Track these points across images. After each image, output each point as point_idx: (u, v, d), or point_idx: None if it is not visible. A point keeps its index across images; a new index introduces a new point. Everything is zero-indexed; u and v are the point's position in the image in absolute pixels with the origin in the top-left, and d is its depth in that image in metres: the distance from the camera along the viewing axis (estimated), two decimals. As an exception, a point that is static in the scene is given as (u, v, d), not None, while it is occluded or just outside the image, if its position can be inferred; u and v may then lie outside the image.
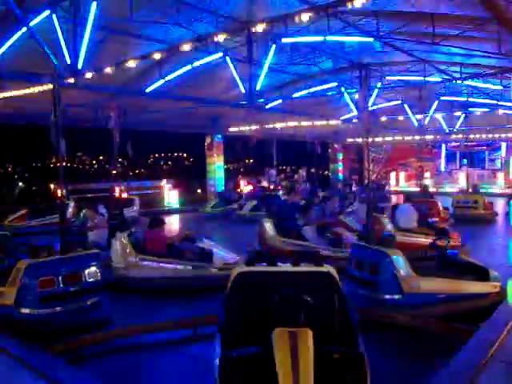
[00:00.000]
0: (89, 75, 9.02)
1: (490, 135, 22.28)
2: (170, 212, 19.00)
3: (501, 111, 17.06)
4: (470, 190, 15.50)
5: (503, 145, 26.32)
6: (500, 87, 13.41)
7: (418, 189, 18.79)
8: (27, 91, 10.58)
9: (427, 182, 25.02)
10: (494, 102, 16.37)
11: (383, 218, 9.37)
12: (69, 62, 8.27)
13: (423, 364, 4.59)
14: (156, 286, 7.13)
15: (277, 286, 3.81)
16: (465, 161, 28.36)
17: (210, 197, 20.27)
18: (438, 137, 23.08)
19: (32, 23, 7.79)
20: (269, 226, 9.17)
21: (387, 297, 5.53)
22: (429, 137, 22.09)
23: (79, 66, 8.30)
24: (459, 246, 9.06)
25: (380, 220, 9.00)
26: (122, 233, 7.53)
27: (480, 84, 13.16)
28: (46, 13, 7.78)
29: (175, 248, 7.64)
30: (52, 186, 17.69)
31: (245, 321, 3.78)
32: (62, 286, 5.30)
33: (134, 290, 7.01)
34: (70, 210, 13.87)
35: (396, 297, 5.49)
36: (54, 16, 7.80)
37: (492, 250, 10.00)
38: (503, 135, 22.59)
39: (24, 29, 7.93)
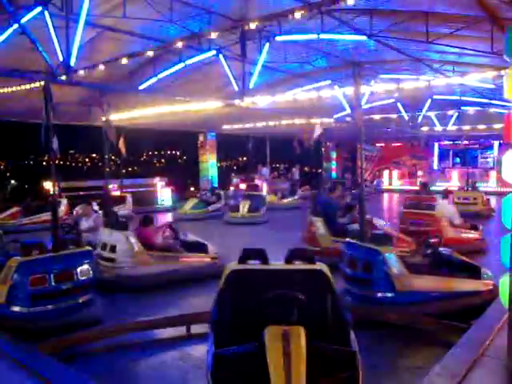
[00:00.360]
0: (81, 72, 8.98)
1: (483, 133, 22.35)
2: (163, 211, 18.97)
3: (493, 110, 17.16)
4: (470, 188, 16.34)
5: (495, 143, 26.46)
6: (492, 86, 13.47)
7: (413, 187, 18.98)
8: (19, 88, 10.52)
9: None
10: (487, 100, 16.48)
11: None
12: (61, 59, 8.22)
13: (415, 361, 4.62)
14: (166, 280, 7.28)
15: (269, 283, 3.81)
16: (458, 159, 28.53)
17: (188, 196, 18.37)
18: (431, 133, 23.16)
19: (23, 20, 7.73)
20: (320, 225, 8.90)
21: (380, 295, 5.56)
22: (422, 133, 22.12)
23: (72, 63, 8.25)
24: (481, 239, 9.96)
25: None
26: (127, 231, 7.57)
27: (472, 82, 13.20)
28: (38, 9, 7.73)
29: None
30: (44, 183, 17.60)
31: (237, 318, 3.77)
32: (53, 283, 5.28)
33: (144, 287, 7.08)
34: (63, 207, 13.84)
35: (388, 295, 5.52)
36: (45, 12, 7.74)
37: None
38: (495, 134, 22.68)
39: (15, 25, 7.87)
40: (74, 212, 14.27)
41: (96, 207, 14.74)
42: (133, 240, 7.43)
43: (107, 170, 8.84)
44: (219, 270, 4.18)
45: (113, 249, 7.40)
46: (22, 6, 7.95)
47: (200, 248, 8.18)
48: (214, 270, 6.92)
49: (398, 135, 25.64)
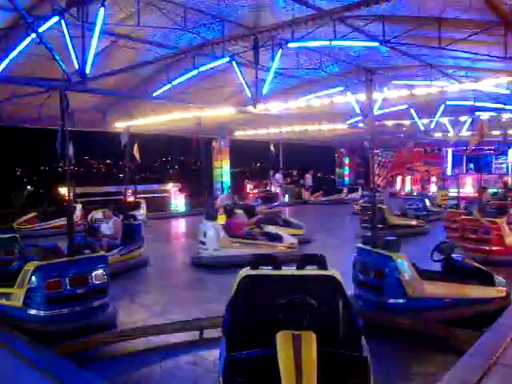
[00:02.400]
0: (96, 80, 9.12)
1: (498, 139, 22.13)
2: (176, 216, 19.07)
3: (507, 115, 17.00)
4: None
5: (510, 149, 26.18)
6: (507, 91, 13.37)
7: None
8: (36, 96, 10.71)
9: (433, 186, 25.02)
10: (501, 106, 16.34)
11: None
12: (77, 67, 8.36)
13: (427, 368, 4.60)
14: (243, 261, 7.82)
15: (282, 289, 3.84)
16: (471, 165, 28.26)
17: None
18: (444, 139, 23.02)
19: (41, 29, 7.89)
20: None
21: (391, 301, 5.54)
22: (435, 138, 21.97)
23: (87, 71, 8.39)
24: None
25: None
26: (214, 221, 9.40)
27: (486, 88, 13.12)
28: (55, 19, 7.88)
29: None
30: (60, 189, 17.81)
31: (250, 323, 3.81)
32: (68, 287, 5.36)
33: (223, 266, 8.69)
34: (78, 213, 14.00)
35: (400, 301, 5.50)
36: (62, 22, 7.89)
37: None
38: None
39: (33, 35, 8.03)
40: (89, 216, 14.50)
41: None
42: (218, 228, 9.29)
43: (125, 176, 9.47)
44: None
45: (205, 235, 9.32)
46: (40, 15, 8.13)
47: (279, 239, 9.88)
48: (287, 257, 7.93)
49: (411, 141, 25.50)
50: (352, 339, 3.61)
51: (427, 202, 16.71)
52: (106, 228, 9.27)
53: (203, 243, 9.37)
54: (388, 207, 13.31)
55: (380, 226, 12.48)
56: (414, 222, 13.48)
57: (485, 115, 17.97)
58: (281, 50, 10.30)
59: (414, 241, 11.73)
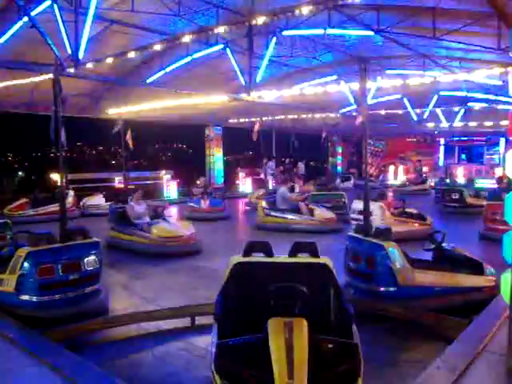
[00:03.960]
0: (90, 65, 9.05)
1: (489, 130, 22.22)
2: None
3: (500, 106, 17.08)
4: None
5: (502, 140, 26.32)
6: (499, 82, 13.41)
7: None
8: (28, 80, 10.60)
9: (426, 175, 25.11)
10: (494, 97, 16.40)
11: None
12: (70, 52, 8.28)
13: (416, 355, 4.66)
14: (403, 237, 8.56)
15: (273, 276, 3.87)
16: (463, 156, 28.40)
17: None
18: (437, 130, 23.12)
19: (33, 13, 7.80)
20: None
21: (382, 289, 5.59)
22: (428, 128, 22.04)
23: (80, 56, 8.32)
24: None
25: None
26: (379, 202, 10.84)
27: (479, 79, 13.15)
28: (48, 3, 7.80)
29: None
30: (51, 175, 17.72)
31: (241, 310, 3.84)
32: (61, 273, 5.36)
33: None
34: (70, 199, 13.96)
35: (391, 289, 5.56)
36: (55, 6, 7.81)
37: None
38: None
39: (25, 18, 7.94)
40: (82, 203, 14.52)
41: (102, 199, 15.12)
42: (384, 207, 10.84)
43: (126, 163, 9.83)
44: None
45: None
46: (32, -1, 8.03)
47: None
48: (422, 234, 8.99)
49: (404, 130, 25.58)
50: (343, 326, 3.65)
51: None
52: (139, 208, 10.15)
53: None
54: (466, 189, 15.32)
55: (457, 204, 15.03)
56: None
57: (477, 106, 18.06)
58: (275, 37, 10.26)
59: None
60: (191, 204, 14.65)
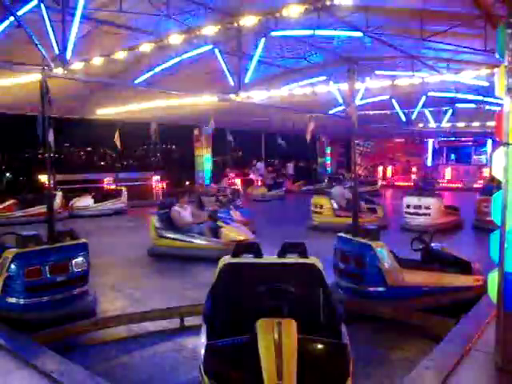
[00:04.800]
0: (77, 66, 8.98)
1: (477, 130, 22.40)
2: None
3: (487, 107, 17.23)
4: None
5: (489, 141, 26.55)
6: (486, 83, 13.53)
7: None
8: (15, 81, 10.50)
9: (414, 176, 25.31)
10: (481, 98, 16.54)
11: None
12: (57, 52, 8.21)
13: (405, 354, 4.69)
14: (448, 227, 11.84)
15: (262, 277, 3.87)
16: (452, 156, 28.62)
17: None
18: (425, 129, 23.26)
19: (20, 12, 7.71)
20: None
21: (371, 289, 5.62)
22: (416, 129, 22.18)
23: (68, 56, 8.24)
24: None
25: None
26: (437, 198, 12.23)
27: (467, 80, 13.25)
28: (34, 2, 7.71)
29: None
30: (39, 176, 17.58)
31: (230, 311, 3.83)
32: (48, 275, 5.32)
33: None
34: (58, 200, 13.86)
35: (380, 289, 5.58)
36: (42, 5, 7.73)
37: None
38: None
39: (11, 18, 7.85)
40: (70, 204, 14.38)
41: (90, 200, 14.96)
42: (442, 202, 12.13)
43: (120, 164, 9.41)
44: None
45: (427, 207, 11.88)
46: (18, -2, 7.94)
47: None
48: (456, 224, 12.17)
49: (393, 131, 25.69)
50: (332, 326, 3.65)
51: None
52: (185, 213, 9.59)
53: (424, 214, 11.91)
54: None
55: None
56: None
57: (465, 107, 18.21)
58: (264, 38, 10.25)
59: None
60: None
